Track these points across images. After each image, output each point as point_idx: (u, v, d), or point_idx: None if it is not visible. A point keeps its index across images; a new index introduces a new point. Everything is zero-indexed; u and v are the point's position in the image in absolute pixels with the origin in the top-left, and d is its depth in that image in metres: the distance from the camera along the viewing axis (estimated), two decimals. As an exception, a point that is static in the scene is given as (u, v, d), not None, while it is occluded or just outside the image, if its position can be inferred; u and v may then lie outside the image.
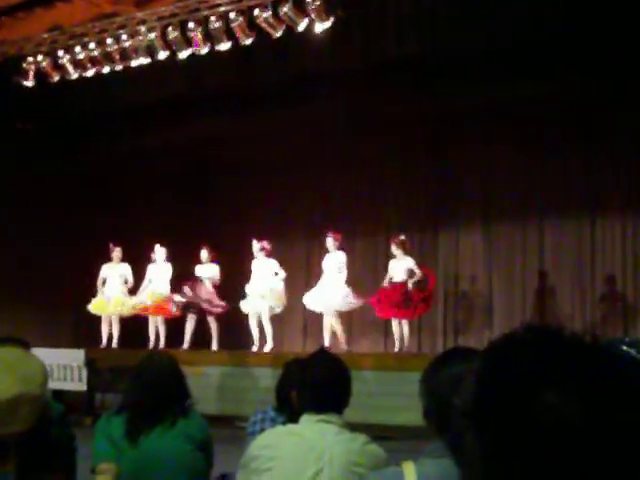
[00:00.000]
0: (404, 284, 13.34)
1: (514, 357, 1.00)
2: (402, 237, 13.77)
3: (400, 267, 13.51)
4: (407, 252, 13.68)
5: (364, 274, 15.91)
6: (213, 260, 14.55)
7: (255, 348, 13.97)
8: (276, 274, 14.12)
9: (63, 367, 12.58)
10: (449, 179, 15.59)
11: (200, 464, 4.26)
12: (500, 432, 0.96)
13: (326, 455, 3.24)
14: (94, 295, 14.88)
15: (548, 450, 0.93)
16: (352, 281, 15.41)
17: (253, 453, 3.44)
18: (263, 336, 13.95)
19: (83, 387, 12.73)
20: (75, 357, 12.92)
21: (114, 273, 14.80)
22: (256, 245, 14.21)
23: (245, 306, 14.15)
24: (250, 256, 14.34)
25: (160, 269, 14.65)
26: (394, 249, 13.65)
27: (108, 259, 14.96)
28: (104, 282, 14.86)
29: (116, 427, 4.13)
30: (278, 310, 14.21)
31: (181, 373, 4.40)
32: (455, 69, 13.21)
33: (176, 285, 14.69)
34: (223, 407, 12.04)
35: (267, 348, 13.82)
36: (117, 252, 14.88)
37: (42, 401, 2.24)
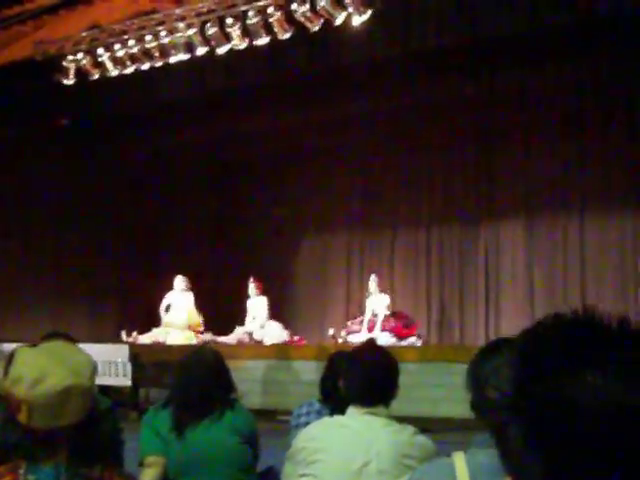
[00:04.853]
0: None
1: (549, 342, 1.02)
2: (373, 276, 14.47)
3: (379, 303, 14.11)
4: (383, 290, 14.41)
5: (405, 267, 15.97)
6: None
7: None
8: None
9: (108, 362, 12.63)
10: (491, 171, 15.49)
11: (247, 457, 4.27)
12: (543, 417, 0.97)
13: (374, 447, 3.23)
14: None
15: (592, 428, 0.94)
16: (395, 274, 15.46)
17: (300, 445, 3.44)
18: None
19: (128, 382, 12.78)
20: (119, 352, 12.98)
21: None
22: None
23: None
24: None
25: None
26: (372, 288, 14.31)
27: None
28: None
29: (163, 421, 4.16)
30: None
31: (226, 367, 4.42)
32: (497, 56, 13.09)
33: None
34: (266, 401, 12.05)
35: None
36: None
37: (91, 393, 2.26)
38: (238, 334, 14.39)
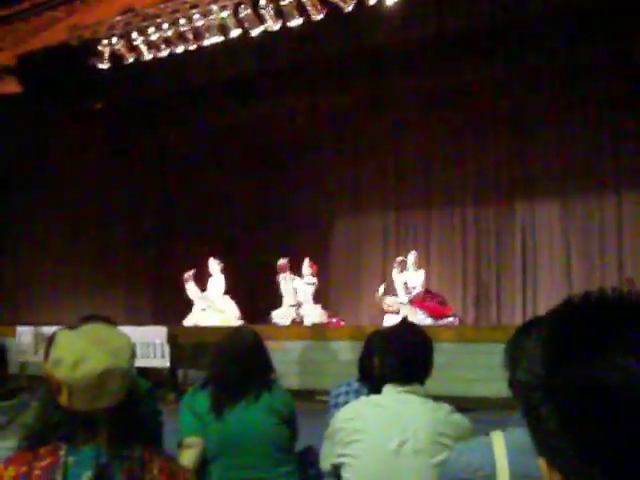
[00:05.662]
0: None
1: (577, 322, 0.99)
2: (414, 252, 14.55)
3: (415, 278, 14.15)
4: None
5: (440, 247, 15.92)
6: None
7: None
8: None
9: (146, 344, 12.69)
10: (525, 149, 15.37)
11: (285, 437, 4.28)
12: (573, 398, 0.96)
13: (411, 426, 3.22)
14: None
15: (622, 411, 0.93)
16: (430, 254, 15.44)
17: (338, 425, 3.44)
18: None
19: (166, 364, 12.84)
20: (157, 334, 13.03)
21: None
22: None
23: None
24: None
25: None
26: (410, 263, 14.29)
27: None
28: None
29: (201, 401, 4.17)
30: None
31: (264, 347, 4.42)
32: (530, 37, 12.98)
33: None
34: (304, 381, 12.09)
35: None
36: None
37: (130, 375, 2.27)
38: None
